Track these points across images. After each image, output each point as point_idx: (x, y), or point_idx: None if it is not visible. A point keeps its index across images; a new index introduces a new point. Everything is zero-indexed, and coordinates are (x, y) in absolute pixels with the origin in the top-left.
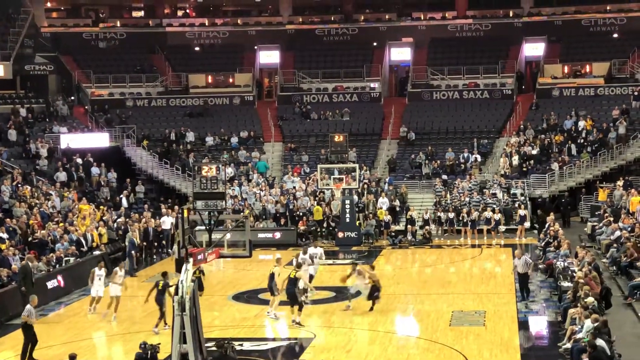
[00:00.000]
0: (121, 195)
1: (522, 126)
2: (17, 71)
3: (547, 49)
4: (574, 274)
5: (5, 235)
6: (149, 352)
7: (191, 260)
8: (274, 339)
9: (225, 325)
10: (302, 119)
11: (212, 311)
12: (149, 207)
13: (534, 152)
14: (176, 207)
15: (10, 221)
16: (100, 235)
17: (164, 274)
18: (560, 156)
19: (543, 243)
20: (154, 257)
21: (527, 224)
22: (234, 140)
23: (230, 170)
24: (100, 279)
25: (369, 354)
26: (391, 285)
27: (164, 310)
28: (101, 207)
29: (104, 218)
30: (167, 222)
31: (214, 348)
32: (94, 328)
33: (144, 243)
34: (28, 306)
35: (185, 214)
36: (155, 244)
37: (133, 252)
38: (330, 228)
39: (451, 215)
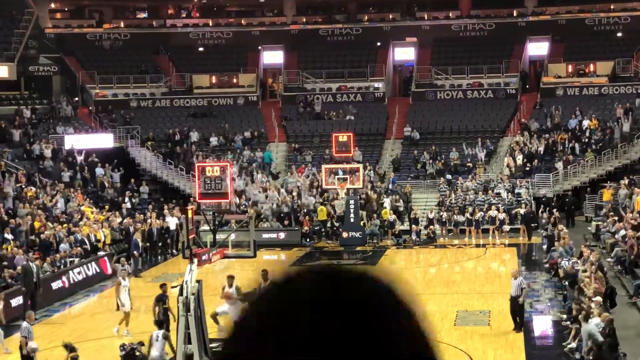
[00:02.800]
0: (125, 196)
1: (526, 125)
2: (21, 72)
3: (551, 48)
4: (579, 273)
5: (9, 236)
6: (129, 352)
7: (196, 260)
8: None
9: None
10: (306, 119)
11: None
12: (153, 207)
13: (539, 151)
14: (186, 208)
15: (14, 222)
16: (104, 236)
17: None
18: (564, 155)
19: (547, 243)
20: (159, 257)
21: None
22: (238, 140)
23: (234, 170)
24: (126, 290)
25: None
26: None
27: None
28: (105, 207)
29: (108, 219)
30: (172, 222)
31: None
32: (99, 329)
33: (148, 244)
34: (25, 324)
35: (190, 215)
36: (160, 244)
37: (136, 252)
38: (335, 228)
39: (455, 214)
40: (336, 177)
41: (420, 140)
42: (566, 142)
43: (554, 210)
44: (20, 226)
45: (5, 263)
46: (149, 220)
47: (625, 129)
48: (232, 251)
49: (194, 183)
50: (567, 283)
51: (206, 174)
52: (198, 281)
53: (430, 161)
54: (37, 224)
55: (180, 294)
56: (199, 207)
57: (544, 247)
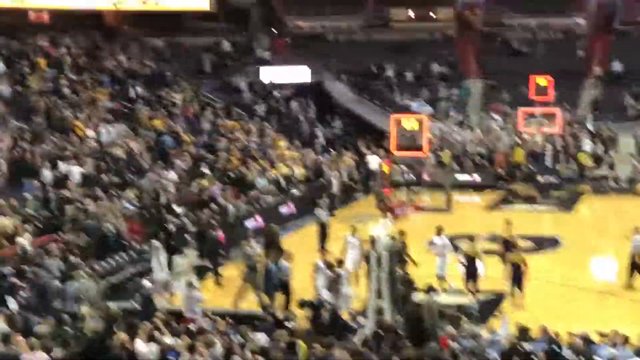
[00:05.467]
0: (319, 131)
1: None
2: (219, 3)
3: None
4: None
5: (207, 171)
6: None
7: (389, 215)
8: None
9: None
10: (503, 56)
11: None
12: (347, 144)
13: None
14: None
15: (210, 156)
16: (298, 173)
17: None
18: None
19: None
20: (354, 195)
21: None
22: (434, 75)
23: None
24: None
25: (569, 313)
26: (593, 239)
27: None
28: (299, 143)
29: (301, 156)
30: (373, 161)
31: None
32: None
33: (343, 182)
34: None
35: (385, 168)
36: (353, 183)
37: (332, 191)
38: (530, 171)
39: None
40: (532, 120)
41: (624, 80)
42: None
43: None
44: (217, 162)
45: (206, 200)
46: (342, 158)
47: None
48: (426, 202)
49: (388, 120)
50: None
51: (402, 127)
52: (393, 237)
53: (633, 102)
54: (233, 160)
55: (372, 247)
56: (394, 159)
57: None
